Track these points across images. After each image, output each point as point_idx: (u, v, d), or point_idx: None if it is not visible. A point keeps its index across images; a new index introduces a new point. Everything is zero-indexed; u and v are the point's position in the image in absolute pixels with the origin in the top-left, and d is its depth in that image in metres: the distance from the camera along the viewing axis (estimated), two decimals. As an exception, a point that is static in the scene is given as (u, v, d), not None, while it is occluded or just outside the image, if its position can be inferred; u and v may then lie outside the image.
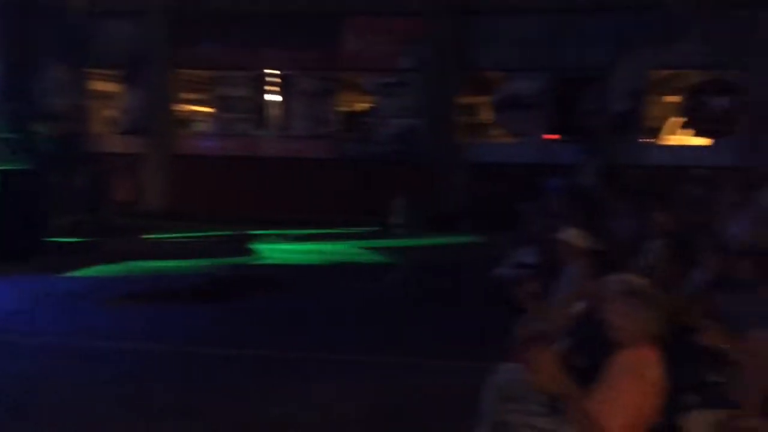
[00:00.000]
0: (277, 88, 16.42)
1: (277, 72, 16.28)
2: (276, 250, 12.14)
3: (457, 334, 7.08)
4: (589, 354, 3.38)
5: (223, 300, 8.59)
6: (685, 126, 14.80)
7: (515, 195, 10.66)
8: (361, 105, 16.80)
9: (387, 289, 9.44)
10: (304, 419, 5.05)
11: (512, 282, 6.85)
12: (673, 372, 3.54)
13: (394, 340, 6.96)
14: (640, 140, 14.50)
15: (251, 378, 5.90)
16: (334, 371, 6.06)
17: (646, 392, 2.95)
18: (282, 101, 16.44)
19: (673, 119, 15.01)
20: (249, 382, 5.80)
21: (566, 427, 3.14)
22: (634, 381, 2.94)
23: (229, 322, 7.68)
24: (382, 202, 14.35)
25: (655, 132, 15.10)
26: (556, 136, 14.87)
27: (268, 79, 16.35)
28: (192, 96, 17.57)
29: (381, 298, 8.84)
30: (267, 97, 16.46)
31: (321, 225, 13.95)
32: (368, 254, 12.10)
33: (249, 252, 11.99)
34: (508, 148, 15.28)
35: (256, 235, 13.13)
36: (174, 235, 13.37)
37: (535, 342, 3.95)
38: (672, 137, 15.10)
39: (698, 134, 14.61)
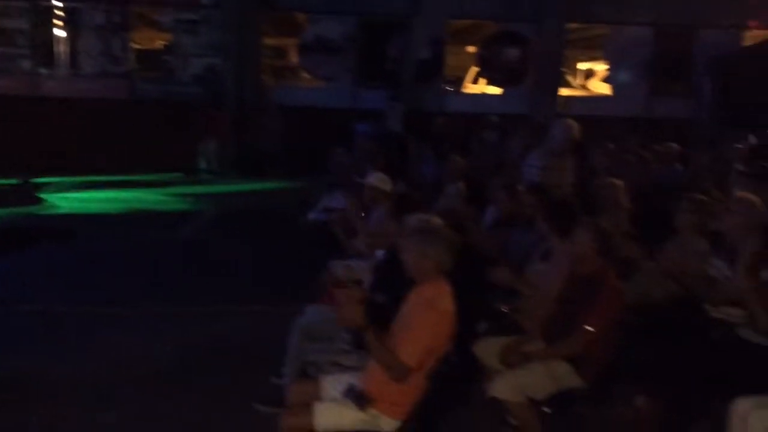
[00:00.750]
0: (62, 22, 14.90)
1: (62, 4, 14.75)
2: (68, 199, 11.22)
3: (263, 280, 7.05)
4: (391, 291, 3.50)
5: (7, 252, 7.81)
6: (480, 75, 15.64)
7: (324, 139, 10.68)
8: (159, 42, 15.79)
9: (189, 236, 9.15)
10: (93, 375, 4.78)
11: (321, 226, 6.94)
12: (466, 303, 3.79)
13: (195, 289, 6.74)
14: (442, 88, 15.10)
15: (31, 334, 5.47)
16: (127, 324, 5.77)
17: (440, 323, 3.13)
18: (69, 36, 14.97)
19: (472, 68, 15.79)
20: (28, 338, 5.38)
21: (369, 361, 3.25)
22: (429, 313, 3.10)
23: (6, 276, 7.00)
24: (186, 146, 13.74)
25: (458, 80, 15.82)
26: (363, 82, 15.04)
27: (53, 11, 14.77)
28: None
29: (182, 247, 8.55)
30: (52, 31, 14.89)
31: (120, 171, 13.08)
32: (172, 201, 11.59)
33: (35, 201, 10.95)
34: (316, 92, 15.23)
35: (43, 183, 12.01)
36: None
37: (342, 283, 4.04)
38: (471, 86, 15.91)
39: (492, 83, 15.52)
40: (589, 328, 3.65)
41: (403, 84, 14.47)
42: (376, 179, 5.75)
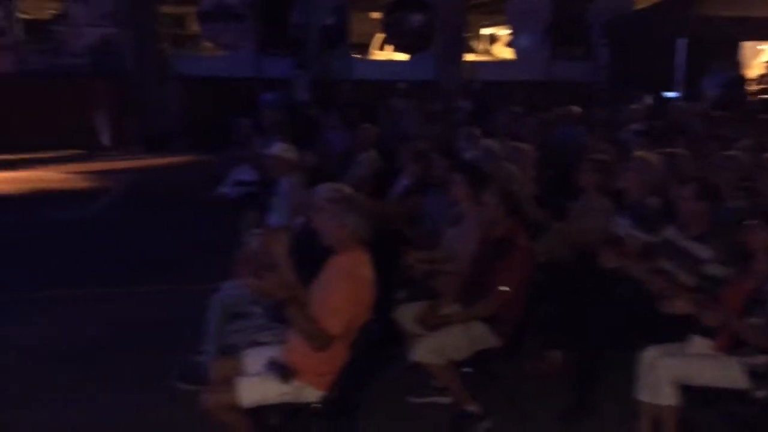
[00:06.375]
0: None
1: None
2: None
3: (176, 257, 6.86)
4: (309, 262, 3.48)
5: None
6: (386, 41, 15.61)
7: (229, 110, 10.42)
8: (48, 11, 14.86)
9: (97, 216, 8.78)
10: (12, 361, 4.59)
11: (233, 200, 6.80)
12: (384, 271, 3.82)
13: (107, 271, 6.52)
14: (349, 55, 14.98)
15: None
16: (39, 309, 5.52)
17: (359, 292, 3.14)
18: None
19: (378, 35, 15.73)
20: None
21: (290, 334, 3.23)
22: (348, 282, 3.11)
23: None
24: (83, 121, 13.10)
25: (364, 47, 15.73)
26: (267, 50, 14.72)
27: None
28: None
29: (92, 227, 8.19)
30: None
31: (13, 149, 12.33)
32: (76, 180, 11.05)
33: None
34: (219, 61, 14.80)
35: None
36: None
37: (259, 256, 3.98)
38: (378, 52, 15.87)
39: (398, 49, 15.53)
40: (504, 288, 3.75)
41: (308, 51, 14.26)
42: (280, 149, 5.64)
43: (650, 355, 3.39)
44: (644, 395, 3.38)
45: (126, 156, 13.01)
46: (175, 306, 5.49)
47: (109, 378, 4.38)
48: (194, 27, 15.36)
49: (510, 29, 16.23)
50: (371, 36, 15.80)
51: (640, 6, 14.99)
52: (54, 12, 14.63)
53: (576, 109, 8.91)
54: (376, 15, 15.85)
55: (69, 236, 7.71)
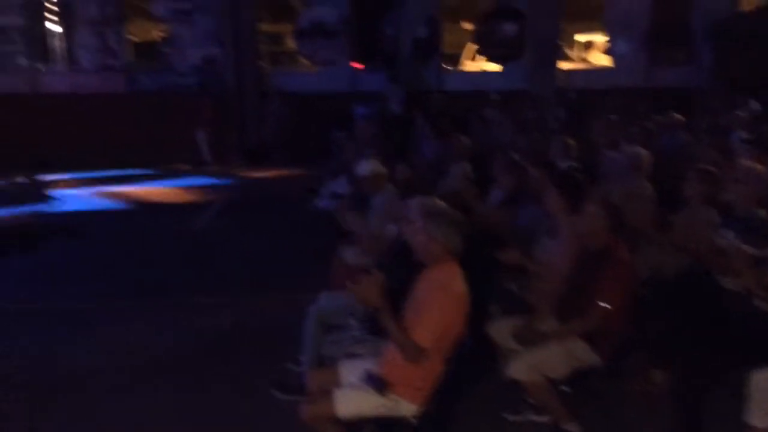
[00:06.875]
0: (56, 17, 14.83)
1: (55, -2, 14.69)
2: (77, 196, 11.23)
3: (277, 268, 7.06)
4: (401, 274, 3.50)
5: (18, 251, 7.86)
6: (478, 52, 15.53)
7: (325, 124, 10.66)
8: (156, 33, 15.73)
9: (202, 228, 9.17)
10: (116, 367, 4.83)
11: (330, 212, 6.92)
12: (477, 285, 3.80)
13: (212, 281, 6.79)
14: (440, 66, 15.01)
15: (53, 332, 5.49)
16: (146, 316, 5.81)
17: (452, 305, 3.13)
18: (64, 30, 14.91)
19: (469, 45, 15.68)
20: (50, 336, 5.40)
21: (385, 347, 3.27)
22: (441, 296, 3.10)
23: (25, 275, 7.04)
24: (186, 138, 13.73)
25: (455, 58, 15.73)
26: (360, 65, 14.99)
27: (45, 5, 14.68)
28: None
29: (195, 238, 8.57)
30: (46, 26, 14.83)
31: (123, 165, 13.09)
32: (181, 193, 11.60)
33: (44, 199, 10.95)
34: (315, 77, 15.17)
35: (51, 180, 12.00)
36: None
37: (355, 267, 4.04)
38: (470, 63, 15.81)
39: (490, 60, 15.41)
40: (604, 304, 3.64)
41: (401, 64, 14.38)
42: (370, 168, 5.64)
43: (762, 376, 3.20)
44: (755, 419, 3.19)
45: (226, 170, 13.53)
46: (275, 315, 5.66)
47: (206, 385, 4.53)
48: (291, 44, 15.83)
49: (606, 35, 15.81)
50: (463, 47, 15.76)
51: (745, 8, 14.28)
52: (161, 34, 15.45)
53: (678, 116, 8.56)
54: (467, 25, 15.81)
55: (174, 248, 8.10)
